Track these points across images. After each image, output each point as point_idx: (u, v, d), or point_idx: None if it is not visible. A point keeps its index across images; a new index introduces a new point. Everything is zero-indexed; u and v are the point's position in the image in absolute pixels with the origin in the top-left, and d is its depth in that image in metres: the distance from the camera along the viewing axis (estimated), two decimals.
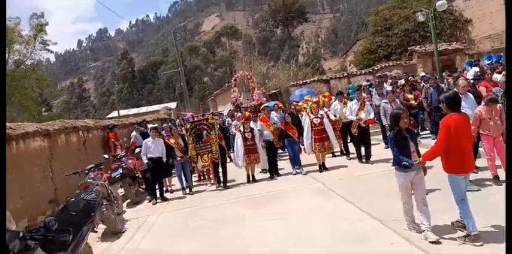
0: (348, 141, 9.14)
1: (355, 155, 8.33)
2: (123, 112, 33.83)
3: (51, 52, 29.58)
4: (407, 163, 3.78)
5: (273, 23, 47.50)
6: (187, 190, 7.96)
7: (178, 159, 7.96)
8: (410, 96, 9.82)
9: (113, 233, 5.50)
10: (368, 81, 17.56)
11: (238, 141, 7.82)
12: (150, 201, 7.57)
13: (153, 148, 7.65)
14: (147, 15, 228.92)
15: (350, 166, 7.97)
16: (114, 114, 33.52)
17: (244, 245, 4.41)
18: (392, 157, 4.08)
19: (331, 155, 9.08)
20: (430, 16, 14.95)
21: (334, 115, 8.62)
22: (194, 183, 8.54)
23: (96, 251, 4.46)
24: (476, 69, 10.85)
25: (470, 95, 6.08)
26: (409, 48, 21.02)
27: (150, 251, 4.71)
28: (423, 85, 10.83)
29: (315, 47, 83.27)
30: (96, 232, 5.27)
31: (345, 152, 9.14)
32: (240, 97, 11.96)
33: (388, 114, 7.46)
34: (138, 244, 5.01)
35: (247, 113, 8.57)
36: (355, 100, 8.23)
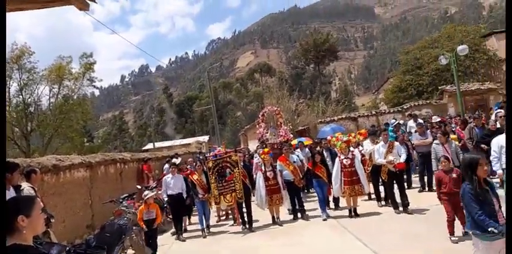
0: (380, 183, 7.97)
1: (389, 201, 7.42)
2: (158, 144, 35.38)
3: (97, 88, 32.07)
4: (495, 229, 2.84)
5: (304, 61, 49.16)
6: (206, 231, 7.54)
7: (200, 196, 7.59)
8: (453, 136, 8.74)
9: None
10: (395, 119, 17.60)
11: (260, 181, 7.43)
12: (173, 235, 7.63)
13: (172, 184, 7.55)
14: (186, 53, 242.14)
15: (384, 215, 7.01)
16: (150, 145, 35.13)
17: None
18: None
19: (367, 198, 8.38)
20: (451, 60, 15.18)
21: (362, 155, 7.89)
22: (214, 223, 8.30)
23: None
24: (502, 111, 10.81)
25: None
26: (439, 87, 21.05)
27: None
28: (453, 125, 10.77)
29: (347, 84, 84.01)
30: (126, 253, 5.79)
31: (375, 197, 8.14)
32: (266, 133, 11.80)
33: (439, 157, 6.44)
34: None
35: (265, 149, 8.22)
36: (381, 143, 7.34)
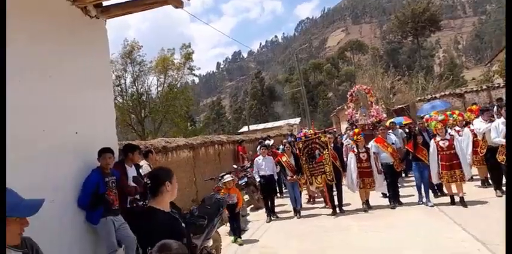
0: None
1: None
2: (252, 127, 36.99)
3: (196, 76, 34.61)
4: None
5: (401, 34, 45.39)
6: (297, 213, 7.45)
7: (289, 178, 7.57)
8: None
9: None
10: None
11: (352, 163, 7.15)
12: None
13: (264, 165, 7.68)
14: (276, 36, 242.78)
15: (494, 205, 6.18)
16: (245, 128, 36.95)
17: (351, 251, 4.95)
18: None
19: (479, 185, 7.63)
20: None
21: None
22: (304, 206, 8.11)
23: (224, 243, 5.60)
24: None
25: None
26: None
27: (266, 246, 5.64)
28: None
29: (453, 56, 75.29)
30: (225, 225, 6.46)
31: (489, 183, 7.32)
32: (356, 113, 11.34)
33: None
34: (257, 241, 6.01)
35: (356, 130, 7.91)
36: (502, 119, 6.33)
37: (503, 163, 6.22)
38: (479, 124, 6.91)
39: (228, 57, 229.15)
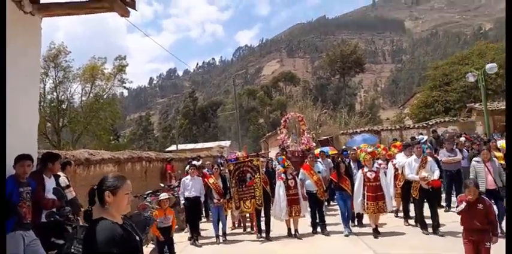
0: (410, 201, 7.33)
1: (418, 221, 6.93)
2: (181, 146, 36.09)
3: (126, 88, 33.20)
4: None
5: (330, 72, 49.20)
6: (221, 238, 7.21)
7: (215, 201, 7.27)
8: (498, 153, 7.71)
9: (160, 252, 6.26)
10: (421, 134, 17.31)
11: (281, 191, 7.04)
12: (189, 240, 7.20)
13: (190, 186, 7.33)
14: (213, 58, 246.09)
15: (410, 234, 6.64)
16: (173, 147, 35.89)
17: None
18: None
19: (393, 215, 7.98)
20: (480, 77, 14.96)
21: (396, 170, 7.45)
22: (228, 230, 7.86)
23: None
24: None
25: None
26: (467, 105, 20.68)
27: None
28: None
29: (372, 97, 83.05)
30: (147, 246, 6.07)
31: (403, 215, 7.57)
32: (288, 139, 11.47)
33: (482, 176, 6.14)
34: None
35: (284, 157, 7.95)
36: (414, 157, 6.81)
37: (416, 198, 6.68)
38: (400, 158, 7.38)
39: (163, 73, 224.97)
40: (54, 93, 26.60)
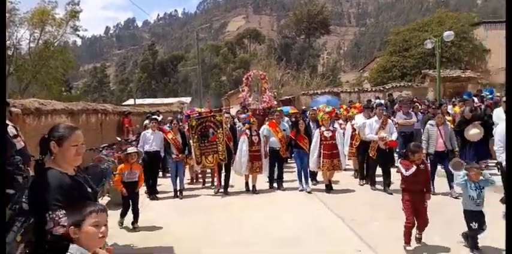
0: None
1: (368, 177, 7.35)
2: (139, 101, 35.02)
3: (80, 37, 30.91)
4: None
5: (295, 31, 48.43)
6: (178, 194, 7.25)
7: (174, 156, 7.21)
8: (449, 118, 8.12)
9: (116, 204, 6.29)
10: (378, 98, 17.93)
11: (244, 146, 7.10)
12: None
13: (152, 140, 7.26)
14: (176, 10, 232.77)
15: (360, 192, 7.08)
16: (131, 101, 34.74)
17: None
18: None
19: (351, 174, 8.33)
20: (437, 45, 15.50)
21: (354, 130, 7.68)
22: (185, 186, 7.88)
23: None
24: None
25: None
26: (422, 71, 21.51)
27: (144, 220, 5.48)
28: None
29: (335, 59, 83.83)
30: (102, 199, 6.06)
31: (359, 174, 7.88)
32: (249, 97, 11.47)
33: (434, 139, 6.43)
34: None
35: (250, 113, 8.04)
36: (375, 118, 7.09)
37: (374, 157, 6.96)
38: (359, 119, 7.62)
39: (120, 23, 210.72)
40: None
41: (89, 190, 2.15)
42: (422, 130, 8.74)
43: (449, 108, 10.47)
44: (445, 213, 5.08)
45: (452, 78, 20.01)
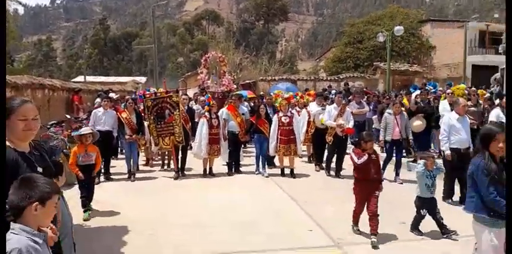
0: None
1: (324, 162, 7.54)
2: (89, 78, 33.16)
3: (23, 5, 28.38)
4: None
5: (255, 16, 48.19)
6: (133, 176, 7.06)
7: (127, 137, 7.01)
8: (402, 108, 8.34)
9: (67, 183, 6.04)
10: (330, 86, 18.39)
11: (203, 129, 7.00)
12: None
13: (103, 119, 6.99)
14: None
15: (314, 176, 7.33)
16: (80, 78, 32.81)
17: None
18: None
19: (306, 160, 8.54)
20: (388, 38, 16.33)
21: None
22: (140, 167, 7.86)
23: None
24: (418, 92, 11.85)
25: (467, 118, 5.68)
26: (374, 63, 22.48)
27: (97, 201, 5.33)
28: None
29: (293, 47, 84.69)
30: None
31: (314, 160, 8.13)
32: (208, 80, 11.28)
33: (390, 127, 6.64)
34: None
35: (210, 96, 7.92)
36: (334, 105, 7.27)
37: (329, 143, 7.22)
38: (313, 107, 7.88)
39: None
40: None
41: (39, 169, 2.06)
42: (376, 119, 9.29)
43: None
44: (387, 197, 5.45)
45: (401, 72, 21.16)
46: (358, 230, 4.33)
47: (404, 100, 10.01)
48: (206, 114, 7.21)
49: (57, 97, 10.03)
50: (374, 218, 4.04)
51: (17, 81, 7.84)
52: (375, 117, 9.58)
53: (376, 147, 6.73)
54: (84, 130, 5.24)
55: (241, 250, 3.95)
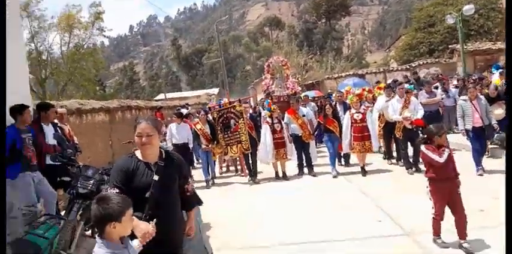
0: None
1: (402, 160, 7.10)
2: (169, 95, 36.12)
3: (107, 37, 32.08)
4: None
5: (316, 15, 47.72)
6: (210, 183, 7.45)
7: (203, 147, 7.42)
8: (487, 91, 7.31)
9: None
10: (406, 77, 17.33)
11: (267, 134, 7.09)
12: None
13: (177, 133, 7.41)
14: (195, 4, 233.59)
15: (394, 174, 6.81)
16: (161, 96, 35.92)
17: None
18: None
19: (381, 155, 8.13)
20: (458, 19, 14.95)
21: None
22: (217, 174, 8.20)
23: None
24: (497, 74, 10.53)
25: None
26: (450, 46, 20.82)
27: None
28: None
29: (360, 40, 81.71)
30: None
31: (387, 155, 7.83)
32: (272, 84, 11.41)
33: (468, 115, 6.13)
34: None
35: (270, 101, 8.02)
36: (397, 97, 6.82)
37: (400, 138, 6.76)
38: (380, 101, 7.38)
39: (143, 20, 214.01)
40: (32, 44, 25.70)
41: (155, 177, 2.31)
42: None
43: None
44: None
45: (483, 51, 19.24)
46: (444, 242, 3.65)
47: (497, 81, 9.03)
48: (268, 119, 7.31)
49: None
50: (462, 221, 3.52)
51: (109, 105, 9.13)
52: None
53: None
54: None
55: (314, 240, 4.21)
